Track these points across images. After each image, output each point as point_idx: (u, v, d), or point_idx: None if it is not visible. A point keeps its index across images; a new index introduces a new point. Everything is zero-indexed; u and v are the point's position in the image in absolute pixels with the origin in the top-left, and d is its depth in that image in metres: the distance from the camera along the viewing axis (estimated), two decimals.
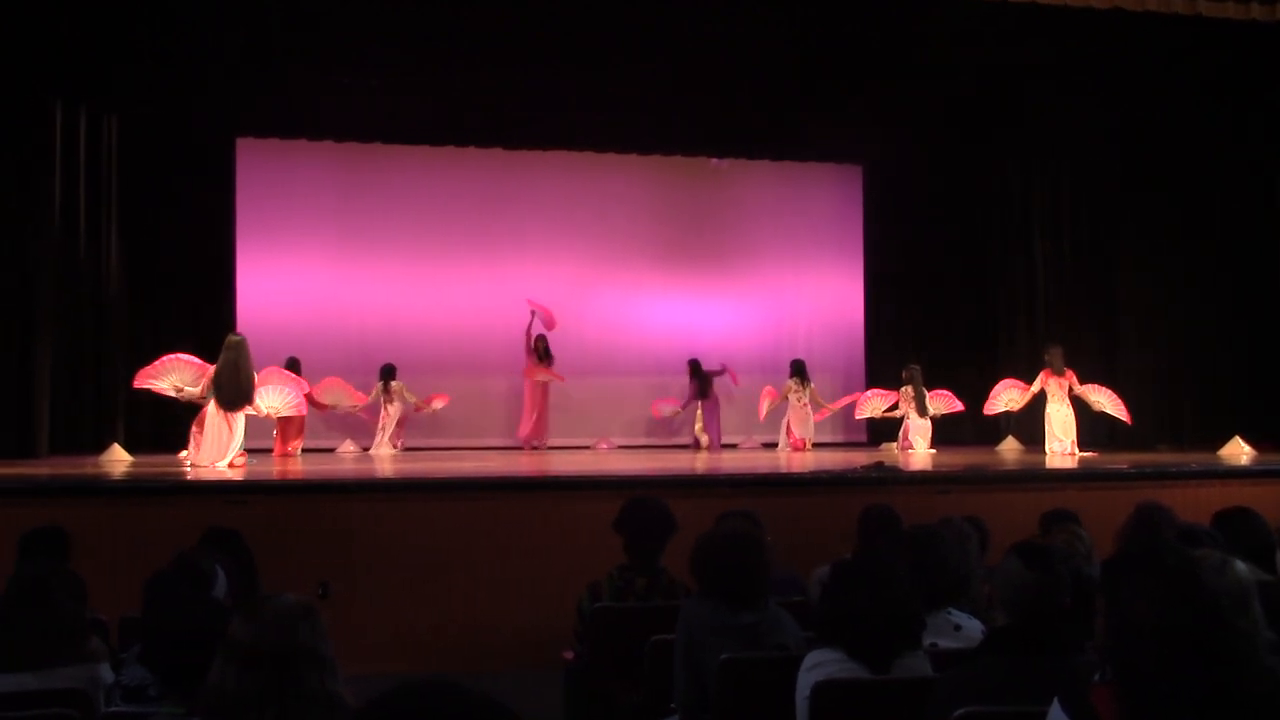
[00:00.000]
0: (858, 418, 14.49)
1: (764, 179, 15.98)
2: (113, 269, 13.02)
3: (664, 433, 15.17)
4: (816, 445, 14.59)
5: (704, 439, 14.68)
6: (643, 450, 14.43)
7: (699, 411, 14.77)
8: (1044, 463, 11.50)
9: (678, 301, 15.57)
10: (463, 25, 12.68)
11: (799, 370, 14.50)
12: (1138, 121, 13.20)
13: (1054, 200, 14.54)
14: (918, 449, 13.59)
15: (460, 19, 12.59)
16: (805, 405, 14.42)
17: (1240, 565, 3.18)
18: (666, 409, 15.00)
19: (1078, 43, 12.63)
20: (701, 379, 14.72)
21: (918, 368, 14.05)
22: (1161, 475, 9.57)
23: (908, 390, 13.89)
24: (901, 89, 14.15)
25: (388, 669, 6.69)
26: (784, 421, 14.50)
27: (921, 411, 13.77)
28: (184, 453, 11.21)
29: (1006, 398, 12.97)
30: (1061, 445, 12.47)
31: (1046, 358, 12.68)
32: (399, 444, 13.81)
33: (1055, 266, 14.48)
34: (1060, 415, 12.59)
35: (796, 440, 14.34)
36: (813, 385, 14.55)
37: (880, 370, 15.33)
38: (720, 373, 14.85)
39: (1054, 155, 14.54)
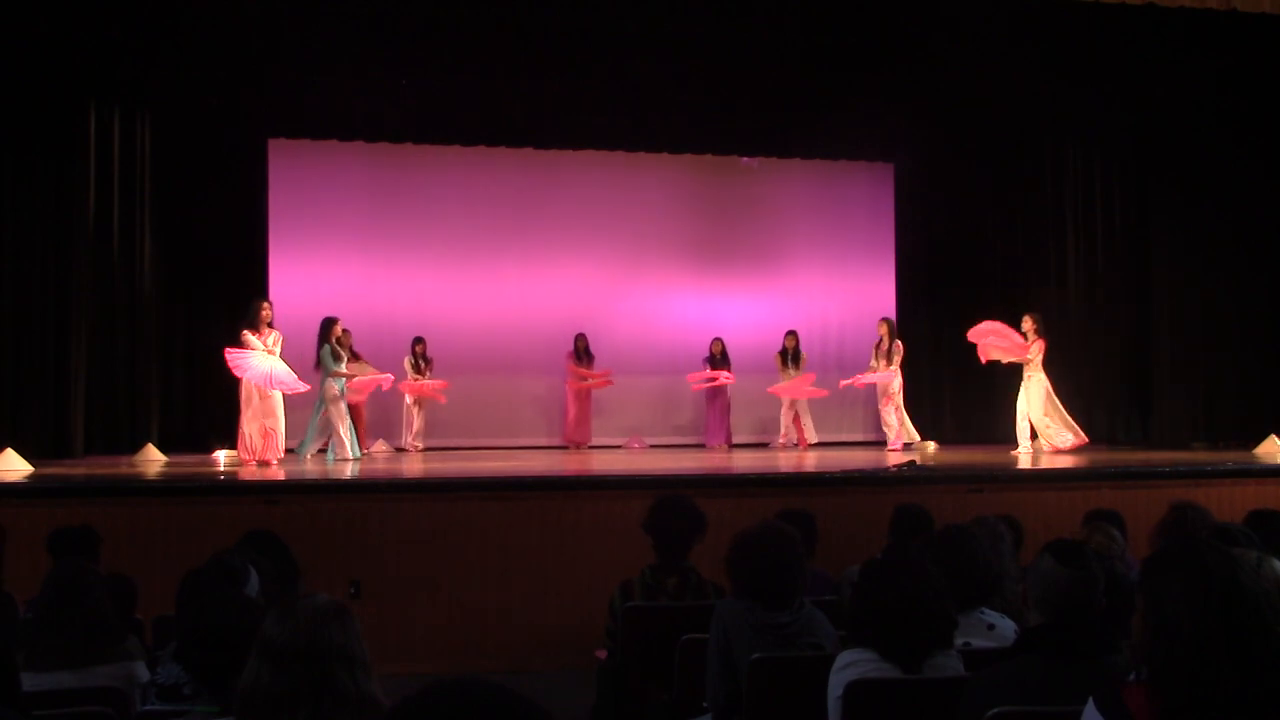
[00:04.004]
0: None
1: (795, 177, 15.93)
2: (146, 269, 13.09)
3: (696, 432, 15.13)
4: (850, 444, 14.55)
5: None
6: (674, 449, 14.41)
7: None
8: (1078, 461, 11.43)
9: (709, 300, 15.54)
10: (494, 25, 12.74)
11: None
12: (1172, 116, 13.09)
13: (1087, 197, 14.43)
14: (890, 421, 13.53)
15: (491, 20, 12.64)
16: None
17: (1277, 564, 3.15)
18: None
19: (1109, 37, 12.56)
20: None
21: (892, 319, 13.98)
22: (1197, 474, 9.50)
23: (883, 345, 13.75)
24: (933, 86, 14.12)
25: (420, 668, 6.75)
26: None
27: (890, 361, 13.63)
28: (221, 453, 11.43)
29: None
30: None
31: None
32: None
33: (1088, 264, 14.38)
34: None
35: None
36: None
37: (912, 367, 15.22)
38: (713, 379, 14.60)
39: (1086, 151, 14.43)
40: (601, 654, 5.62)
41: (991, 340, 12.72)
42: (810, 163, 15.81)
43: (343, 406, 11.73)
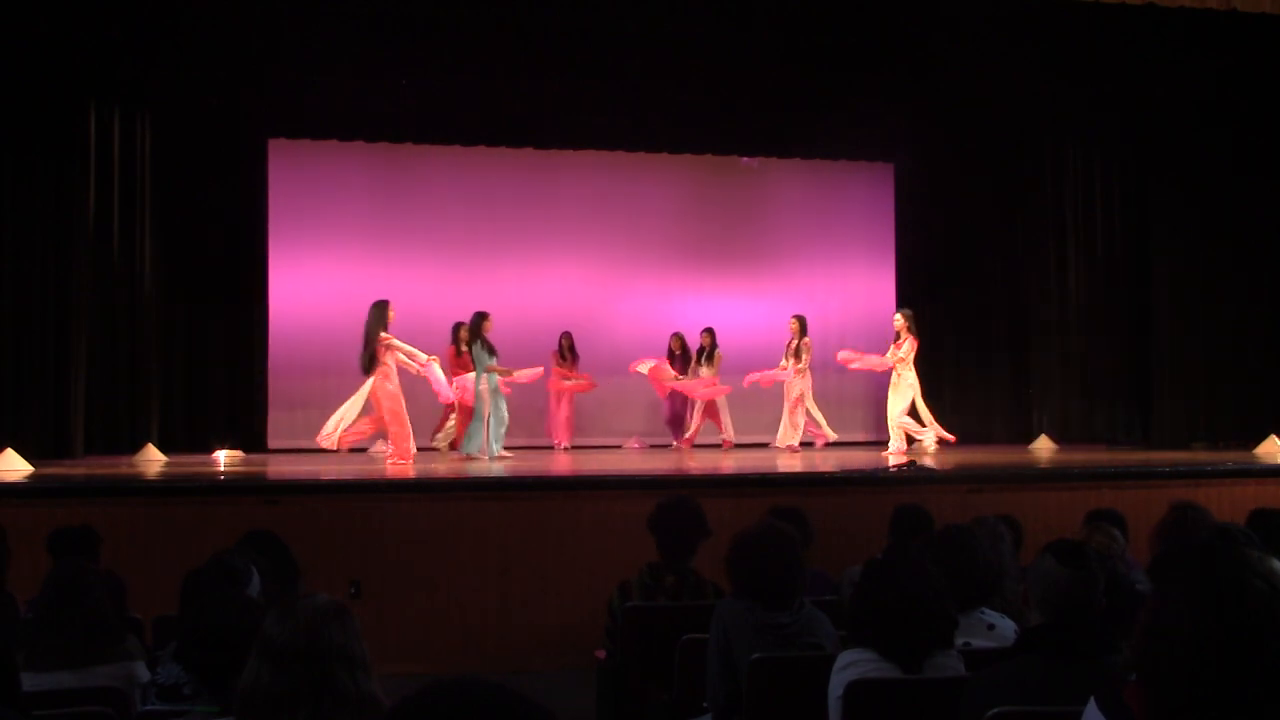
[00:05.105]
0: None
1: (795, 178, 15.92)
2: (146, 270, 13.07)
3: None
4: (847, 444, 14.49)
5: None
6: (673, 449, 14.38)
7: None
8: (1078, 461, 11.42)
9: (708, 301, 15.51)
10: (494, 25, 12.74)
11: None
12: (1172, 116, 13.09)
13: (1087, 197, 14.44)
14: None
15: (491, 20, 12.65)
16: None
17: (1277, 563, 3.14)
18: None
19: (1109, 37, 12.56)
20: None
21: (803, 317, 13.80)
22: (1197, 474, 9.50)
23: (792, 344, 13.60)
24: (933, 86, 14.12)
25: (420, 668, 6.74)
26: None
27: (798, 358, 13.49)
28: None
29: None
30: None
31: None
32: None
33: (1088, 264, 14.39)
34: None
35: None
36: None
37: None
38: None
39: (1086, 151, 14.44)
40: (601, 654, 5.62)
41: (857, 363, 13.27)
42: (810, 163, 15.79)
43: (496, 402, 11.97)
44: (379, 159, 14.69)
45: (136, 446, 12.02)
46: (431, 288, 14.77)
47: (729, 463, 11.73)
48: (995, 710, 3.16)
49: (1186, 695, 2.26)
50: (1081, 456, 11.87)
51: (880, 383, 15.48)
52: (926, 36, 13.04)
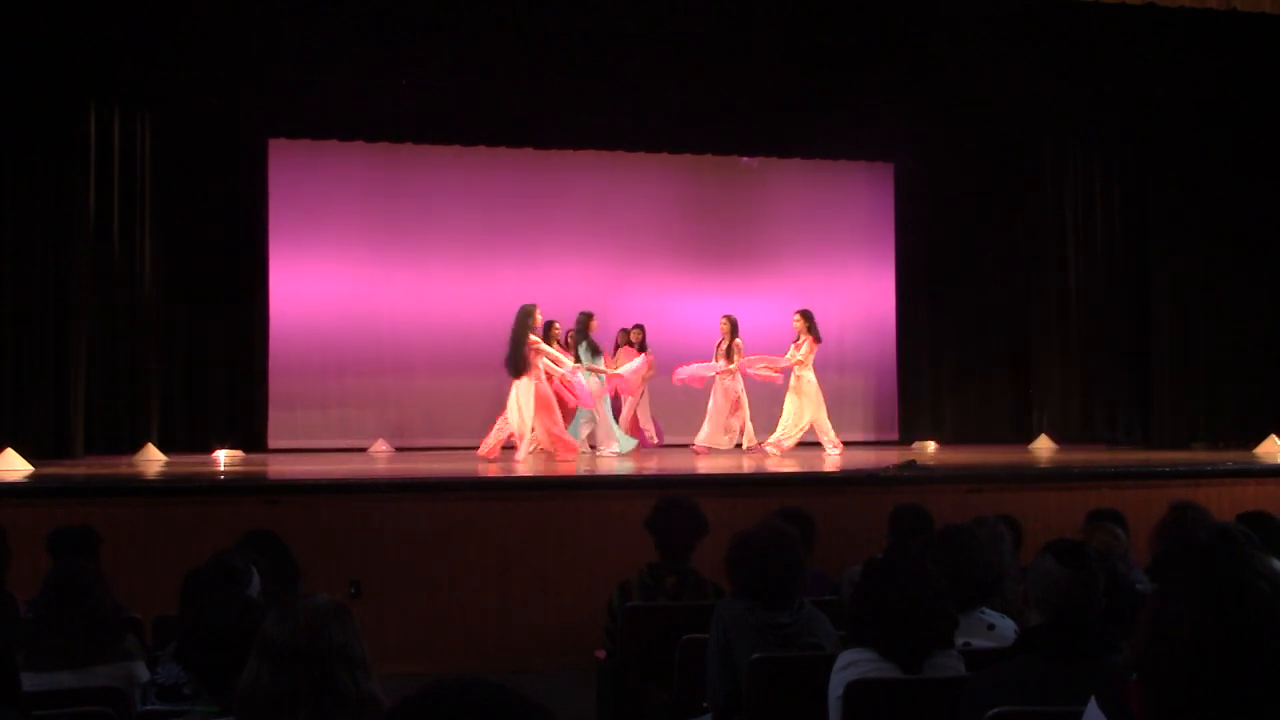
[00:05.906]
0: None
1: (795, 178, 15.91)
2: (146, 270, 13.07)
3: (691, 431, 15.04)
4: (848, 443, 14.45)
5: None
6: (672, 449, 14.37)
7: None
8: (1078, 461, 11.41)
9: (708, 301, 15.47)
10: (494, 25, 12.75)
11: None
12: (1172, 116, 13.08)
13: (1087, 197, 14.44)
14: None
15: (491, 20, 12.65)
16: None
17: (1275, 563, 3.14)
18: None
19: (1109, 37, 12.56)
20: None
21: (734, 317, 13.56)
22: (1197, 474, 9.50)
23: (723, 344, 13.37)
24: (933, 86, 14.12)
25: (420, 669, 6.74)
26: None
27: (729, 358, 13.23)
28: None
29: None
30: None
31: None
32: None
33: (1088, 264, 14.38)
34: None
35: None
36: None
37: (912, 369, 15.26)
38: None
39: (1086, 152, 14.43)
40: (601, 654, 5.62)
41: (757, 369, 13.04)
42: (810, 163, 15.78)
43: (601, 402, 12.27)
44: (379, 159, 14.68)
45: (136, 446, 12.02)
46: (431, 288, 14.77)
47: (729, 463, 11.73)
48: (995, 710, 3.16)
49: (1186, 695, 2.26)
50: (1081, 456, 11.86)
51: (878, 382, 15.56)
52: (926, 36, 13.04)
